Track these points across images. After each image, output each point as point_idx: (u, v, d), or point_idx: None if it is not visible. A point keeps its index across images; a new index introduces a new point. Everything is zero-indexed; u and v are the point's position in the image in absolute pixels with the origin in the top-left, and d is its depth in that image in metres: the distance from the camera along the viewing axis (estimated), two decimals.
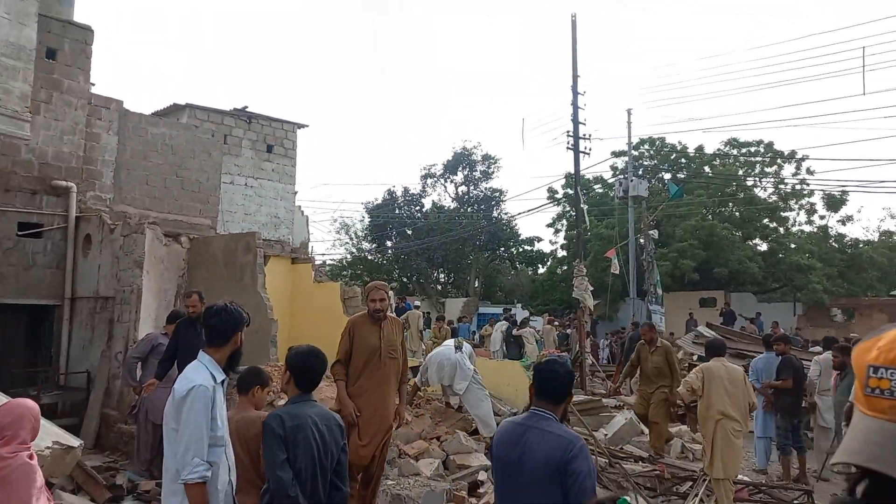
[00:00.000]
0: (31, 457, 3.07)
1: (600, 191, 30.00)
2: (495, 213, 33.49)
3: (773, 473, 8.08)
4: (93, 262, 9.71)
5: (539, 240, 34.69)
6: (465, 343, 8.28)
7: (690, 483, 6.59)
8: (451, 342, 8.45)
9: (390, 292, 5.52)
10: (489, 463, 6.48)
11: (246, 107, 15.58)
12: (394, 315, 5.30)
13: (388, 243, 33.65)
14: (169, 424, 3.16)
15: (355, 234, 35.70)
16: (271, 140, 15.26)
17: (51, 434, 4.11)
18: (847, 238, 26.07)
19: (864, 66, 16.43)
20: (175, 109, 14.79)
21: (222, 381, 3.27)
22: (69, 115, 10.14)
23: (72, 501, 5.19)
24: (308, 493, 3.03)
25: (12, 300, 9.45)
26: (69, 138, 10.20)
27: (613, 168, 28.60)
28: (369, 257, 35.52)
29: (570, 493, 2.61)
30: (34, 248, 9.72)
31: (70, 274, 9.89)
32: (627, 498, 5.28)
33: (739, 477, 7.17)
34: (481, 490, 5.77)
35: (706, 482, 6.69)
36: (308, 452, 3.04)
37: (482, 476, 6.09)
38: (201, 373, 3.18)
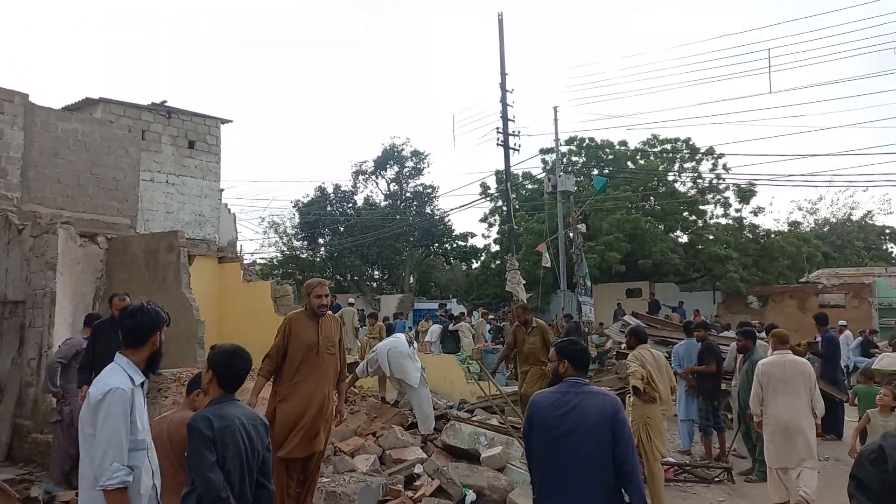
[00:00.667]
0: None
1: (531, 187, 30.61)
2: (428, 210, 33.57)
3: (696, 454, 8.48)
4: None
5: (472, 235, 35.02)
6: (413, 339, 8.33)
7: None
8: (402, 335, 8.49)
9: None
10: (425, 456, 6.51)
11: (165, 101, 14.95)
12: (331, 312, 5.17)
13: (321, 241, 33.15)
14: (85, 430, 3.02)
15: (285, 232, 35.00)
16: (193, 136, 14.72)
17: None
18: (760, 229, 27.65)
19: (769, 67, 17.40)
20: (88, 104, 14.02)
21: (142, 384, 3.14)
22: None
23: None
24: (236, 494, 2.97)
25: None
26: None
27: (544, 162, 29.24)
28: (302, 256, 34.90)
29: (620, 440, 3.17)
30: None
31: None
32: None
33: (666, 458, 7.50)
34: (417, 483, 5.78)
35: None
36: (237, 454, 2.98)
37: (418, 469, 6.11)
38: (117, 375, 3.05)
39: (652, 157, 28.11)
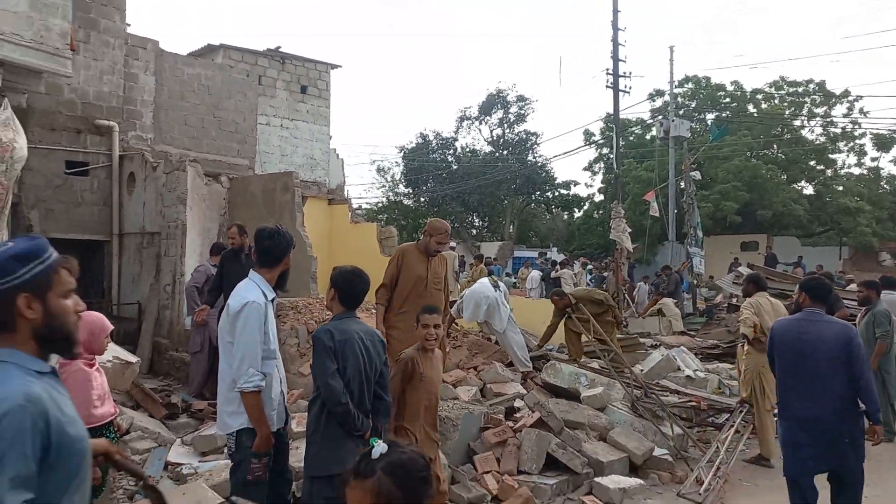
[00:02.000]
0: (90, 365, 3.24)
1: (639, 132, 29.25)
2: (530, 157, 33.02)
3: None
4: (138, 200, 9.97)
5: (575, 183, 34.26)
6: (500, 282, 8.28)
7: (727, 414, 6.61)
8: (486, 280, 8.46)
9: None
10: (524, 391, 6.60)
11: (279, 47, 15.48)
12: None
13: (423, 187, 33.61)
14: (224, 338, 3.30)
15: (392, 178, 35.73)
16: (305, 81, 15.20)
17: (111, 350, 4.32)
18: None
19: None
20: (209, 50, 14.78)
21: (272, 300, 3.38)
22: (107, 55, 10.24)
23: (132, 415, 5.50)
24: (356, 402, 3.18)
25: (64, 235, 9.80)
26: (108, 78, 10.34)
27: (653, 111, 27.77)
28: (405, 202, 35.62)
29: (856, 359, 3.85)
30: (82, 186, 10.01)
31: (117, 211, 10.20)
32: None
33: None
34: (518, 415, 5.90)
35: (743, 413, 6.71)
36: (356, 365, 3.17)
37: (518, 403, 6.21)
38: (253, 290, 3.30)
39: (777, 101, 25.91)
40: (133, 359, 4.37)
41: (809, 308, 4.11)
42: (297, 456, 3.76)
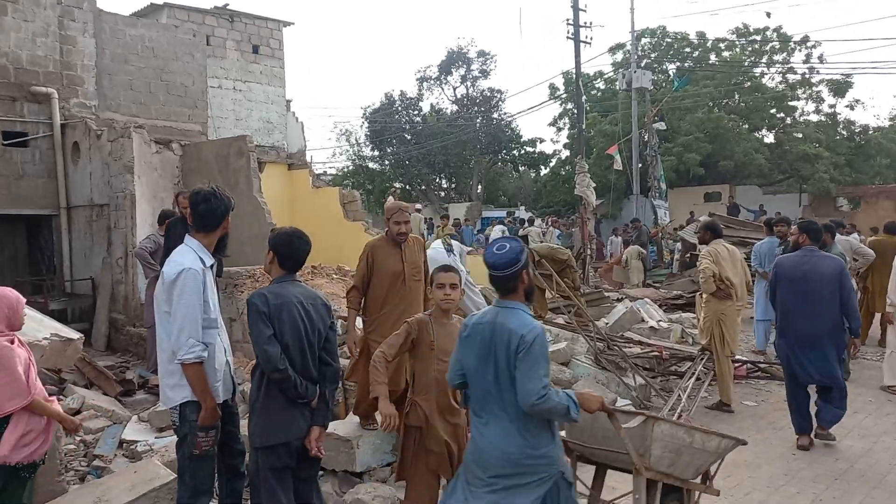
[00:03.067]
0: (11, 341, 3.07)
1: (602, 87, 29.11)
2: (495, 115, 32.69)
3: (771, 354, 8.22)
4: (83, 170, 9.55)
5: (541, 140, 34.16)
6: (454, 243, 8.14)
7: (689, 363, 6.70)
8: (440, 244, 8.34)
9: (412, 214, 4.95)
10: None
11: (227, 4, 14.82)
12: (413, 235, 4.73)
13: (388, 149, 33.11)
14: (161, 308, 3.14)
15: (356, 140, 35.10)
16: (256, 40, 14.62)
17: (48, 327, 4.13)
18: (856, 125, 25.47)
19: None
20: (153, 10, 14.07)
21: (211, 266, 3.21)
22: (39, 15, 9.66)
23: (84, 394, 5.32)
24: (298, 368, 3.05)
25: (6, 210, 9.38)
26: (42, 41, 9.76)
27: (615, 63, 27.58)
28: (371, 165, 35.11)
29: (844, 288, 4.93)
30: (22, 158, 9.54)
31: (62, 183, 9.77)
32: None
33: (738, 356, 7.31)
34: None
35: (704, 360, 6.81)
36: (294, 329, 3.04)
37: None
38: (188, 256, 3.13)
39: (738, 49, 25.93)
40: (75, 335, 4.18)
41: (809, 246, 5.12)
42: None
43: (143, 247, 6.68)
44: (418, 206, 23.83)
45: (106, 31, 10.76)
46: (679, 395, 5.72)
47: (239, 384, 3.93)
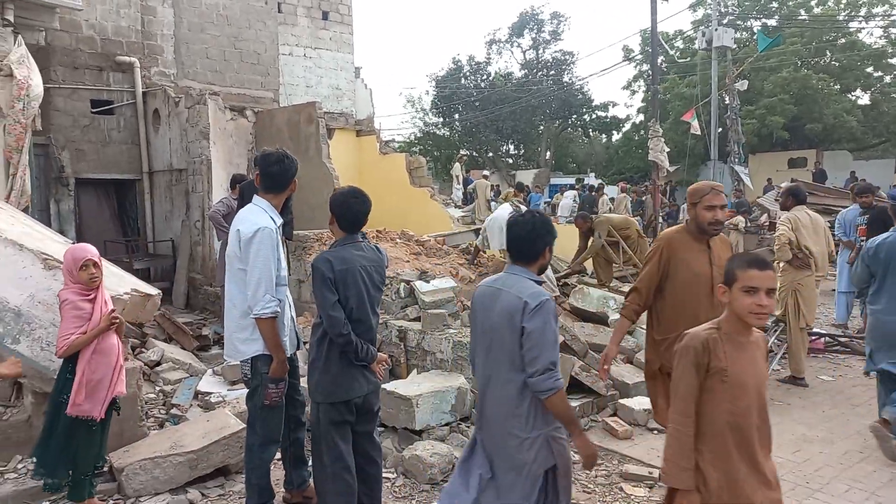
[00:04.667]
0: (84, 295, 3.27)
1: (681, 47, 27.72)
2: (566, 79, 31.83)
3: (854, 328, 7.78)
4: (164, 137, 9.99)
5: (614, 104, 33.30)
6: (521, 206, 8.07)
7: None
8: (507, 205, 8.28)
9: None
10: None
11: None
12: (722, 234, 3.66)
13: (456, 116, 32.92)
14: (234, 265, 3.24)
15: (422, 108, 35.07)
16: (326, 6, 14.70)
17: (129, 283, 4.38)
18: None
19: None
20: None
21: (280, 225, 3.31)
22: None
23: (163, 347, 5.66)
24: (360, 332, 3.10)
25: (97, 175, 9.96)
26: (125, 12, 10.18)
27: (695, 21, 26.16)
28: (438, 132, 35.07)
29: None
30: (109, 125, 10.06)
31: (145, 149, 10.26)
32: None
33: (815, 329, 6.95)
34: None
35: (777, 332, 6.52)
36: (357, 294, 3.07)
37: None
38: (262, 216, 3.23)
39: (831, 3, 24.02)
40: (153, 291, 4.42)
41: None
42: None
43: (216, 210, 6.95)
44: (486, 172, 23.69)
45: (183, 0, 11.09)
46: None
47: (304, 342, 4.07)
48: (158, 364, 5.42)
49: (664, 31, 24.34)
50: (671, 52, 26.61)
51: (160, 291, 4.64)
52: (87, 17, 9.70)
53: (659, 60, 18.69)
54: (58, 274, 3.66)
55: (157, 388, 5.14)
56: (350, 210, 3.12)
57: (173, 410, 4.74)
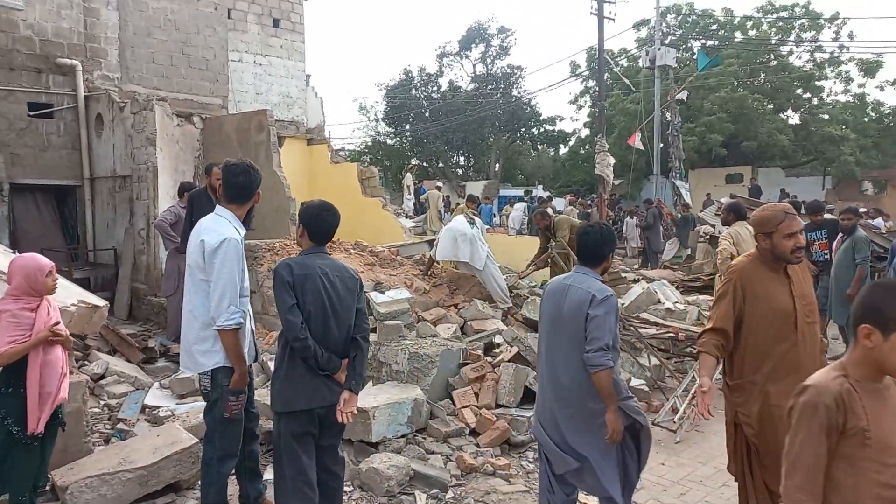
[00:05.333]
0: (30, 308, 3.13)
1: (625, 64, 28.66)
2: (515, 92, 32.40)
3: None
4: (107, 142, 9.66)
5: (560, 119, 33.99)
6: (476, 218, 8.16)
7: None
8: (462, 217, 8.34)
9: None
10: (504, 328, 6.63)
11: None
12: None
13: (406, 126, 33.02)
14: (196, 276, 3.19)
15: (375, 116, 35.03)
16: (277, 14, 14.54)
17: (76, 294, 4.23)
18: (885, 107, 24.87)
19: None
20: None
21: (243, 236, 3.28)
22: None
23: (108, 360, 5.47)
24: (319, 339, 3.03)
25: (34, 181, 9.54)
26: (67, 13, 9.82)
27: (639, 41, 27.11)
28: (388, 141, 35.08)
29: None
30: (48, 129, 9.67)
31: (86, 154, 9.90)
32: None
33: None
34: (496, 350, 5.93)
35: None
36: (317, 299, 3.02)
37: (497, 339, 6.24)
38: (227, 227, 3.20)
39: (765, 27, 25.35)
40: (101, 302, 4.28)
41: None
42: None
43: (163, 218, 6.78)
44: (438, 183, 23.82)
45: (129, 3, 10.78)
46: (693, 377, 5.74)
47: (261, 353, 4.02)
48: (103, 377, 5.23)
49: (610, 49, 25.13)
50: (615, 69, 27.49)
51: (107, 303, 4.50)
52: (24, 17, 9.33)
53: (605, 76, 19.27)
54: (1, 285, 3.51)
55: (102, 402, 4.96)
56: (324, 223, 3.13)
57: (119, 425, 4.59)
